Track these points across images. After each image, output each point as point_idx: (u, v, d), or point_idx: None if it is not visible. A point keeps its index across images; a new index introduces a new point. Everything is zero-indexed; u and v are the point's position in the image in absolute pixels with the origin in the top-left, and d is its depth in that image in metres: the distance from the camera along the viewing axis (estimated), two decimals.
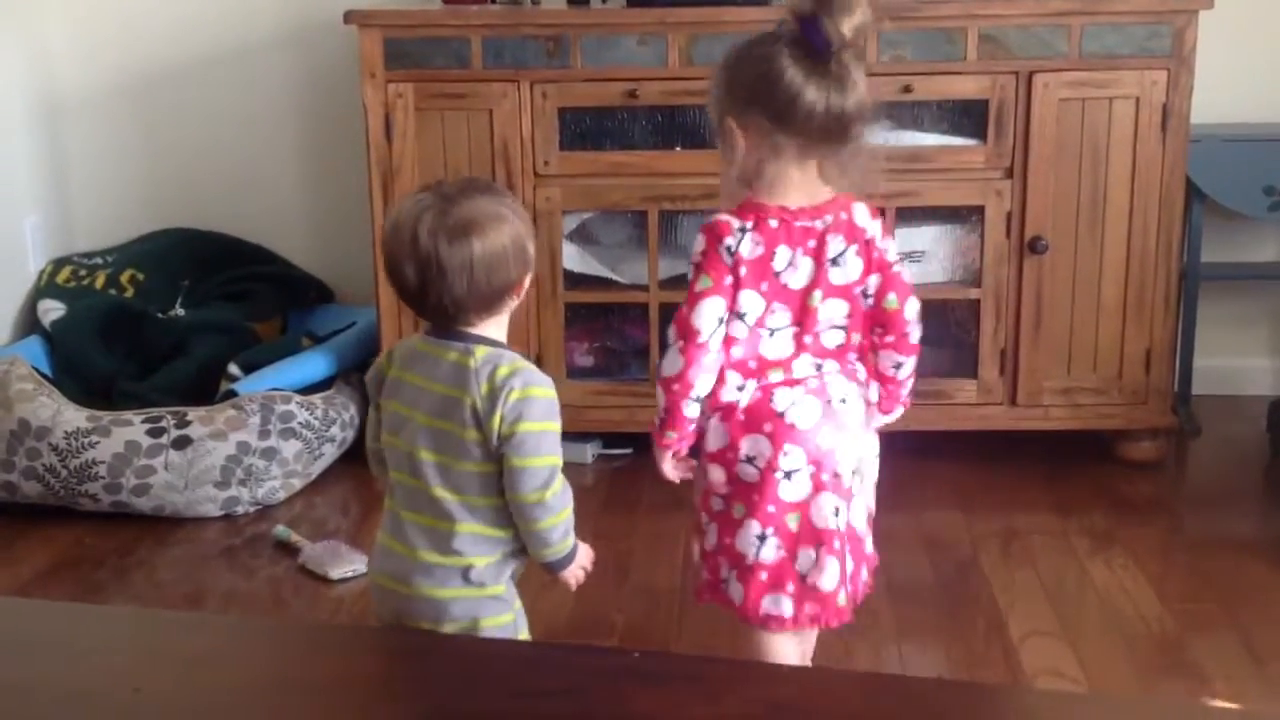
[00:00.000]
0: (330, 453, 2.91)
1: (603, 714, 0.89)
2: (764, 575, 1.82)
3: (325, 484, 2.92)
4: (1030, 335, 2.89)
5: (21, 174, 3.27)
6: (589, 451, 3.01)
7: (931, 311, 3.03)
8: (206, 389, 2.93)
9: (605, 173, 2.88)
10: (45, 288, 3.22)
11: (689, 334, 1.79)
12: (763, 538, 1.81)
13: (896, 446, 2.98)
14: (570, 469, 3.08)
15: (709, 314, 1.79)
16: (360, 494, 2.89)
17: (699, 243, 1.81)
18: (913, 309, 1.90)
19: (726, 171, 1.83)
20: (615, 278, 2.99)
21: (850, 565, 1.85)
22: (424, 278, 1.62)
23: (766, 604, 1.84)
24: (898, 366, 1.91)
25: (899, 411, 1.96)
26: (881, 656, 2.23)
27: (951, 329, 3.06)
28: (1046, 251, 2.85)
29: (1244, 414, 3.23)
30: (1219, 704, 2.04)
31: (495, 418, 1.60)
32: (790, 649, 1.90)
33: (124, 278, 3.27)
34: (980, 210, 2.87)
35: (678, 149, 2.92)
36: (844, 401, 1.84)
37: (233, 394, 2.83)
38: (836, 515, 1.81)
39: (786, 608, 1.83)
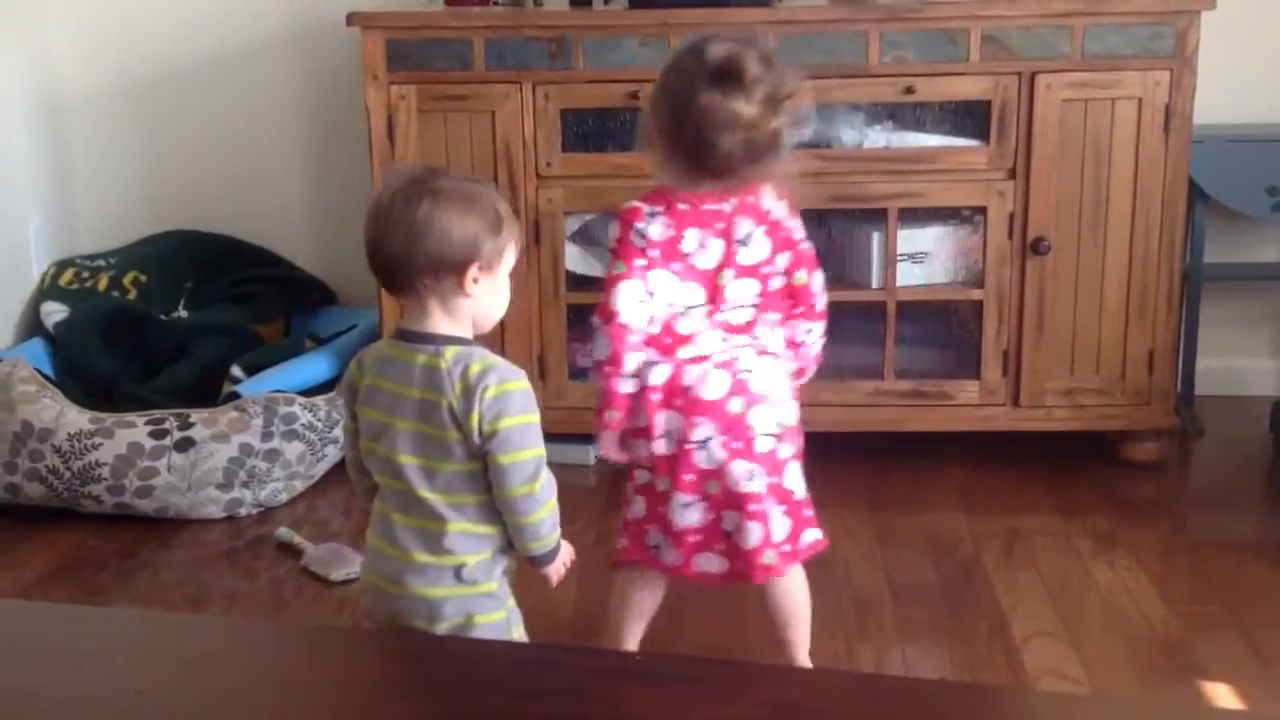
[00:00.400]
0: (333, 454, 2.91)
1: (603, 715, 0.89)
2: (695, 538, 1.96)
3: (328, 486, 2.92)
4: (1033, 336, 2.89)
5: (24, 176, 3.28)
6: (591, 453, 3.01)
7: (934, 312, 3.06)
8: (209, 391, 2.93)
9: (607, 174, 2.88)
10: (48, 290, 3.22)
11: (610, 316, 1.91)
12: (688, 505, 1.95)
13: (899, 448, 3.00)
14: (572, 470, 3.10)
15: (626, 296, 1.91)
16: None
17: (613, 229, 1.95)
18: (818, 281, 2.02)
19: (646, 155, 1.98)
20: None
21: (788, 525, 1.97)
22: (374, 234, 1.64)
23: (700, 562, 1.97)
24: (808, 332, 2.03)
25: (811, 370, 2.07)
26: (884, 658, 2.23)
27: (954, 330, 3.06)
28: (1049, 252, 2.85)
29: (1247, 415, 3.22)
30: (1223, 705, 2.04)
31: (474, 417, 1.59)
32: (647, 595, 2.06)
33: (127, 280, 3.27)
34: (983, 211, 2.87)
35: None
36: (751, 372, 1.95)
37: (235, 396, 2.83)
38: (751, 480, 1.93)
39: (718, 565, 1.97)
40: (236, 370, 2.95)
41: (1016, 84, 2.79)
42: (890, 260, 2.90)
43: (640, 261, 1.91)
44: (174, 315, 3.27)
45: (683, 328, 1.94)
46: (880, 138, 2.90)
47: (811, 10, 2.83)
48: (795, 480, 1.99)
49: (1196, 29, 2.76)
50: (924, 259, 2.95)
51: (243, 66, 3.40)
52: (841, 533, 2.66)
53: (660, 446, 1.94)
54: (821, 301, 2.02)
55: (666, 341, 1.94)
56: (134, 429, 2.71)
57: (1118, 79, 2.79)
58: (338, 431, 2.89)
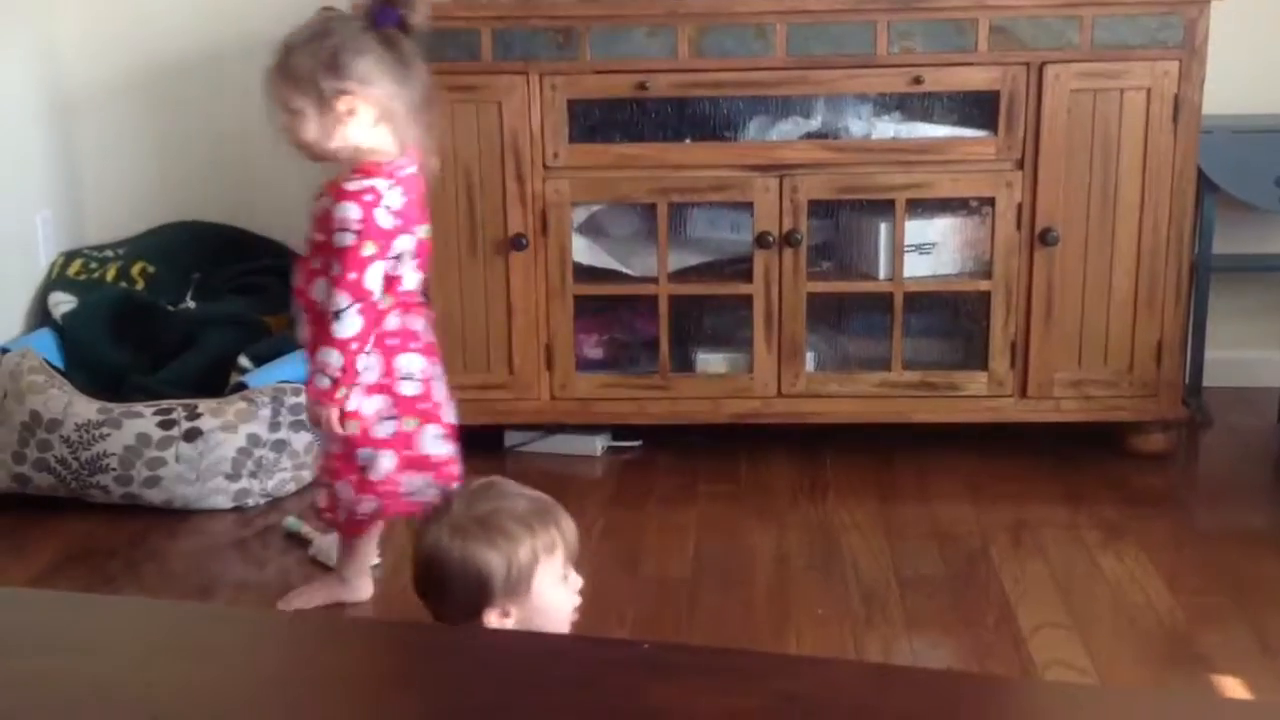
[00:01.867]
0: None
1: (616, 705, 0.89)
2: (449, 468, 2.19)
3: None
4: (1041, 327, 2.89)
5: (33, 167, 3.28)
6: (598, 444, 3.01)
7: (942, 303, 3.06)
8: (217, 381, 2.93)
9: (615, 165, 2.88)
10: (56, 280, 3.22)
11: (364, 296, 2.07)
12: (439, 436, 2.17)
13: (906, 439, 3.00)
14: (580, 462, 3.10)
15: (376, 275, 2.08)
16: None
17: (354, 210, 2.07)
18: None
19: (324, 141, 2.12)
20: (625, 270, 2.98)
21: None
22: None
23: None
24: None
25: None
26: (892, 649, 2.23)
27: (962, 321, 3.06)
28: (1057, 243, 2.84)
29: (1255, 406, 3.22)
30: (1230, 695, 2.04)
31: None
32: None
33: (135, 270, 3.28)
34: (991, 202, 2.86)
35: (687, 141, 2.92)
36: (430, 315, 2.24)
37: (243, 386, 2.84)
38: (454, 407, 2.24)
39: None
40: (244, 360, 2.95)
41: (1025, 74, 2.79)
42: (898, 251, 2.89)
43: (383, 241, 2.08)
44: (182, 306, 3.27)
45: (405, 282, 2.16)
46: (888, 128, 2.90)
47: (819, 0, 2.82)
48: None
49: (1206, 19, 2.75)
50: (932, 250, 2.94)
51: (249, 58, 3.37)
52: (848, 524, 2.66)
53: (407, 388, 2.14)
54: None
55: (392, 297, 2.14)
56: (142, 419, 2.71)
57: (1126, 69, 2.78)
58: None
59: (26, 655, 0.99)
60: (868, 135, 2.89)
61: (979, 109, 2.86)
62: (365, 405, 2.13)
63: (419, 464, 2.16)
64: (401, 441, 2.15)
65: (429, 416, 2.16)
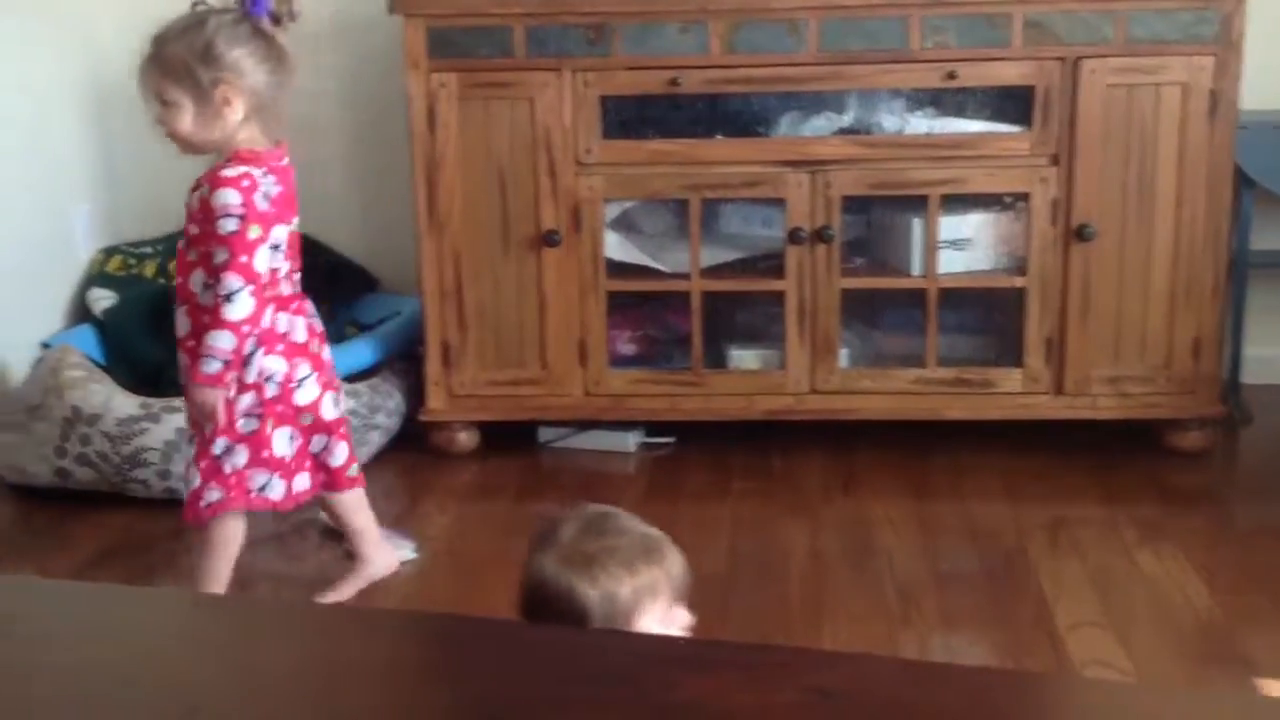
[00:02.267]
0: (376, 440, 2.93)
1: (651, 699, 0.89)
2: (293, 464, 2.24)
3: (371, 471, 2.92)
4: (1077, 323, 2.87)
5: (72, 164, 3.31)
6: (631, 440, 3.02)
7: (976, 299, 3.04)
8: None
9: (647, 161, 2.88)
10: (96, 276, 3.26)
11: (255, 278, 2.11)
12: (292, 438, 2.23)
13: (941, 436, 2.99)
14: (613, 458, 3.10)
15: (263, 258, 2.12)
16: (405, 481, 2.91)
17: (234, 196, 2.10)
18: None
19: (201, 133, 2.14)
20: (657, 266, 2.99)
21: (349, 444, 2.33)
22: None
23: (294, 486, 2.25)
24: None
25: None
26: (927, 645, 2.22)
27: (996, 317, 3.04)
28: (1094, 239, 2.82)
29: None
30: (1269, 693, 2.02)
31: None
32: (240, 537, 2.29)
33: (173, 267, 3.30)
34: (1025, 197, 2.85)
35: (719, 137, 2.92)
36: (314, 316, 2.29)
37: None
38: (337, 407, 2.30)
39: (306, 482, 2.27)
40: None
41: (1060, 69, 2.77)
42: (931, 247, 2.88)
43: (266, 225, 2.12)
44: None
45: (277, 274, 2.18)
46: (922, 124, 2.89)
47: None
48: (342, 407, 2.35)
49: (1242, 14, 2.73)
50: (966, 246, 2.93)
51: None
52: (883, 521, 2.66)
53: (270, 389, 2.18)
54: None
55: (267, 292, 2.16)
56: (181, 414, 2.73)
57: (1162, 64, 2.76)
58: (380, 418, 2.91)
59: (69, 647, 1.01)
60: (901, 131, 2.88)
61: (1013, 104, 2.84)
62: (243, 400, 2.17)
63: (270, 464, 2.20)
64: (257, 440, 2.19)
65: (283, 419, 2.21)
